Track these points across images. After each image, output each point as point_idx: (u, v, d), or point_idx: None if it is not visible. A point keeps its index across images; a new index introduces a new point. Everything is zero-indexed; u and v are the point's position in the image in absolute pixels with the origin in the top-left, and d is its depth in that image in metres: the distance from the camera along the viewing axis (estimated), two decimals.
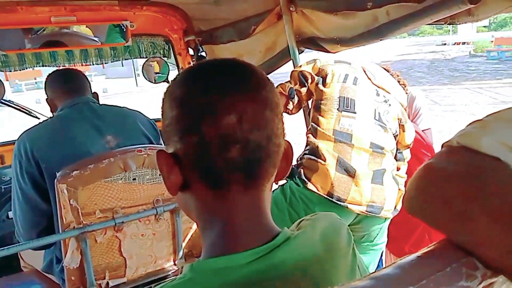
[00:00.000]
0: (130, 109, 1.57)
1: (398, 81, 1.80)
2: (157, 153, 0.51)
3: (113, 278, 1.37)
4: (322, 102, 1.55)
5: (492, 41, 18.76)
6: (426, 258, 0.37)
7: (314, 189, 1.46)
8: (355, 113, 1.52)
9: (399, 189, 1.58)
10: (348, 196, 1.44)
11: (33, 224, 1.36)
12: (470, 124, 0.43)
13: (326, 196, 1.44)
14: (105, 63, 2.15)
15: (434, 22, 1.06)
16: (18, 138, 1.35)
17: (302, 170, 1.50)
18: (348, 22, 1.33)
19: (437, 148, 1.86)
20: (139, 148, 1.29)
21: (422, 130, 1.98)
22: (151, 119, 1.58)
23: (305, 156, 1.52)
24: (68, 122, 1.37)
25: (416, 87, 2.17)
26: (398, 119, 1.62)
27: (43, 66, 2.01)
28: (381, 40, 1.20)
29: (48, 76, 1.54)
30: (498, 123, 0.41)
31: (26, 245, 1.26)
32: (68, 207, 1.20)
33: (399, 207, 1.57)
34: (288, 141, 0.53)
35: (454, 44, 24.09)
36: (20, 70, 1.96)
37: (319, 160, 1.46)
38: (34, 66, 1.99)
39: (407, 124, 1.65)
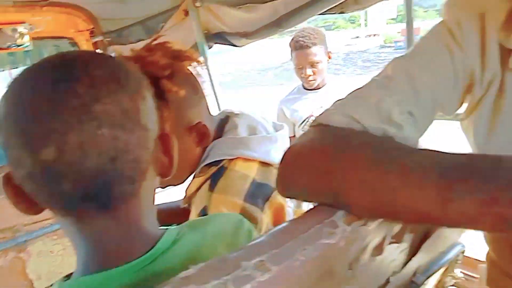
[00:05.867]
0: None
1: None
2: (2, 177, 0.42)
3: None
4: None
5: (399, 32, 20.34)
6: (295, 223, 0.40)
7: None
8: None
9: None
10: None
11: None
12: (333, 103, 0.49)
13: None
14: (2, 71, 1.97)
15: (326, 11, 1.13)
16: None
17: None
18: (251, 16, 1.36)
19: None
20: None
21: None
22: None
23: None
24: None
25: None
26: None
27: None
28: (281, 31, 1.25)
29: None
30: (350, 100, 0.49)
31: None
32: None
33: None
34: (164, 133, 0.46)
35: (367, 37, 25.72)
36: None
37: None
38: None
39: None
